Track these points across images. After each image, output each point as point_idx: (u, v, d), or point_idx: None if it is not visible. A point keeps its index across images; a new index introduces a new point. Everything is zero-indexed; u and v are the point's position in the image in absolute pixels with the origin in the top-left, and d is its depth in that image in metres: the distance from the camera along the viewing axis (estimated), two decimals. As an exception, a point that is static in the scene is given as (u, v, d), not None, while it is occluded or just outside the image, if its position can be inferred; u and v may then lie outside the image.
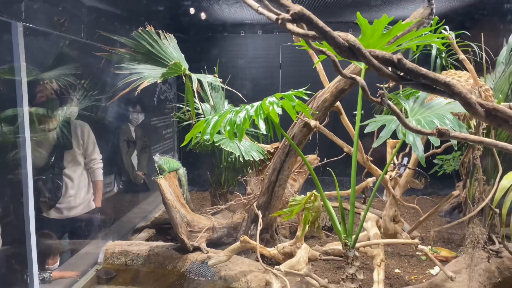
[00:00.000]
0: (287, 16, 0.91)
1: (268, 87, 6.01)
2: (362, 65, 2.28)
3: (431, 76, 0.88)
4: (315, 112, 2.87)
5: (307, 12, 0.87)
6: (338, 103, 3.17)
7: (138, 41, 3.67)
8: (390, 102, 0.99)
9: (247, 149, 3.77)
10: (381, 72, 0.92)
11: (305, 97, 1.98)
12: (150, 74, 3.65)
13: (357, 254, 2.17)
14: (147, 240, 4.16)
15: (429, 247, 3.88)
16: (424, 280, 3.31)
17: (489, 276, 3.31)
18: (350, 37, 0.91)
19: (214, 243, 3.84)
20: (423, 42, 2.15)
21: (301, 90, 2.00)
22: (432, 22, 2.58)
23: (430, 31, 3.28)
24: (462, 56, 2.89)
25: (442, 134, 0.91)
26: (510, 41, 3.53)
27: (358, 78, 1.01)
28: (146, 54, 3.75)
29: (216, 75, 4.09)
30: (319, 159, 4.38)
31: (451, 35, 3.12)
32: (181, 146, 5.94)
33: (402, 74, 0.93)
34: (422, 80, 0.90)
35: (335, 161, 4.30)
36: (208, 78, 3.73)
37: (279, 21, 0.98)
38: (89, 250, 3.78)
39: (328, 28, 0.91)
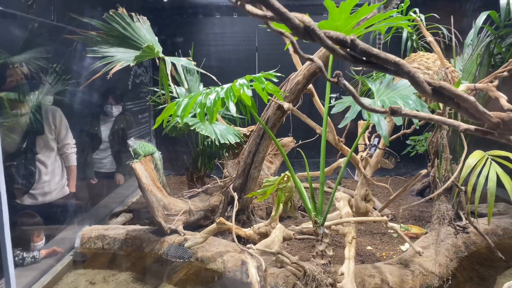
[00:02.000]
0: (246, -3, 0.93)
1: (245, 70, 5.95)
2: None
3: (382, 56, 0.92)
4: (286, 94, 2.90)
5: (264, -6, 0.89)
6: (310, 85, 3.21)
7: (110, 23, 3.61)
8: (345, 82, 1.02)
9: (223, 132, 3.79)
10: (336, 53, 0.96)
11: (275, 79, 2.01)
12: (122, 58, 3.60)
13: (326, 231, 2.24)
14: (124, 224, 4.17)
15: (400, 224, 4.02)
16: (394, 256, 3.43)
17: (456, 250, 3.46)
18: (305, 18, 0.94)
19: (192, 226, 3.88)
20: (391, 24, 2.19)
21: (271, 72, 2.03)
22: (398, 3, 2.63)
23: (399, 13, 3.33)
24: (430, 38, 2.96)
25: (394, 112, 0.96)
26: (477, 23, 3.62)
27: (315, 58, 1.05)
28: (119, 37, 3.69)
29: (191, 58, 4.06)
30: (294, 141, 4.43)
31: (421, 17, 3.18)
32: (152, 129, 5.93)
33: (355, 55, 0.96)
34: (374, 60, 0.93)
35: (311, 142, 4.37)
36: (182, 61, 3.71)
37: (238, 2, 1.00)
38: (65, 236, 3.77)
39: (284, 10, 0.94)
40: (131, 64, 3.53)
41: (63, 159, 3.72)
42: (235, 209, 3.28)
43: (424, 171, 2.98)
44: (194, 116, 4.20)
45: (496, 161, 2.98)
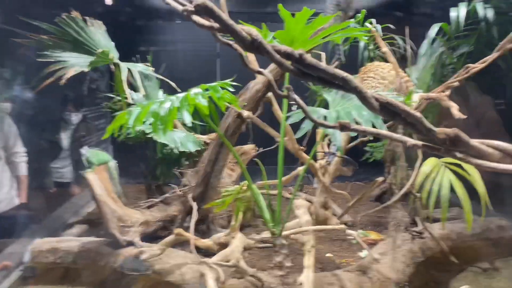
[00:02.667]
0: (191, 7, 0.89)
1: (206, 77, 5.89)
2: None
3: (330, 71, 0.91)
4: (244, 103, 2.89)
5: (210, 4, 0.86)
6: (270, 94, 3.21)
7: (62, 27, 3.47)
8: (296, 96, 1.00)
9: (182, 140, 3.71)
10: (283, 67, 0.93)
11: (231, 89, 1.98)
12: (77, 63, 3.46)
13: (284, 242, 2.23)
14: (79, 236, 3.99)
15: (360, 231, 4.08)
16: (354, 263, 3.47)
17: (413, 256, 3.53)
18: (253, 31, 0.91)
19: (149, 237, 3.77)
20: (347, 35, 2.22)
21: (227, 81, 2.00)
22: (353, 14, 2.68)
23: (357, 24, 3.40)
24: (384, 49, 3.03)
25: (343, 127, 0.95)
26: (430, 34, 3.75)
27: (264, 72, 1.02)
28: (72, 41, 3.55)
29: (149, 64, 3.97)
30: (256, 148, 4.41)
31: (377, 28, 3.25)
32: (101, 139, 5.74)
33: (304, 69, 0.95)
34: (322, 75, 0.91)
35: (273, 150, 4.35)
36: (139, 67, 3.61)
37: (185, 13, 0.96)
38: (15, 250, 3.57)
39: (231, 22, 0.90)
40: (86, 70, 3.40)
41: (12, 168, 3.52)
42: (193, 219, 3.21)
43: (380, 179, 3.04)
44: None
45: (450, 168, 3.08)
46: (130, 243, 3.47)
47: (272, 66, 2.96)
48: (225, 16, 0.90)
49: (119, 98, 4.20)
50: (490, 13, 3.40)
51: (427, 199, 3.09)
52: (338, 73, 0.88)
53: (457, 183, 3.00)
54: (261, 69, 0.99)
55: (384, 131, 0.90)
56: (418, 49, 4.10)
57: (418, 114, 0.86)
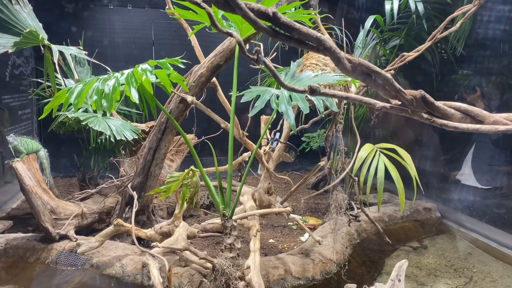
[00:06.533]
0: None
1: (141, 63, 5.72)
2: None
3: (304, 31, 0.90)
4: (191, 84, 2.81)
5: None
6: (214, 79, 3.16)
7: (-19, 3, 3.14)
8: (266, 59, 0.98)
9: (119, 128, 3.54)
10: (257, 25, 0.91)
11: (181, 65, 1.91)
12: (-2, 42, 3.16)
13: (235, 224, 2.21)
14: (3, 232, 3.66)
15: (300, 216, 4.18)
16: (295, 247, 3.55)
17: (350, 238, 3.70)
18: (226, -13, 0.88)
19: (85, 230, 3.56)
20: (294, 18, 2.24)
21: (176, 58, 1.92)
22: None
23: (300, 7, 3.46)
24: (326, 35, 3.12)
25: (313, 91, 0.94)
26: (365, 26, 3.92)
27: (234, 33, 0.99)
28: (-7, 19, 3.23)
29: (81, 48, 3.74)
30: (196, 138, 4.33)
31: (317, 16, 3.33)
32: (39, 119, 5.33)
33: (277, 29, 0.93)
34: (296, 35, 0.90)
35: (214, 138, 4.30)
36: (71, 50, 3.38)
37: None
38: None
39: (203, -24, 0.86)
40: (10, 51, 3.11)
41: None
42: (134, 209, 3.08)
43: (322, 163, 3.13)
44: (86, 111, 3.87)
45: (384, 153, 3.25)
46: (64, 237, 3.26)
47: (224, 46, 2.90)
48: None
49: (48, 84, 3.90)
50: (420, 7, 3.63)
51: (364, 182, 3.24)
52: (312, 33, 0.88)
53: (391, 167, 3.17)
54: (229, 31, 0.96)
55: (353, 94, 0.92)
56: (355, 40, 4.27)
57: (388, 74, 0.88)
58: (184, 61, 1.92)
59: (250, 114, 1.91)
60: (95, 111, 3.60)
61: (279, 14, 0.89)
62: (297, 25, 0.90)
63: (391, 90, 0.89)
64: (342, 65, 0.90)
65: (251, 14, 0.89)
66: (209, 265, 2.49)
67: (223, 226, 2.18)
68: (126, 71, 1.80)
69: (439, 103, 0.90)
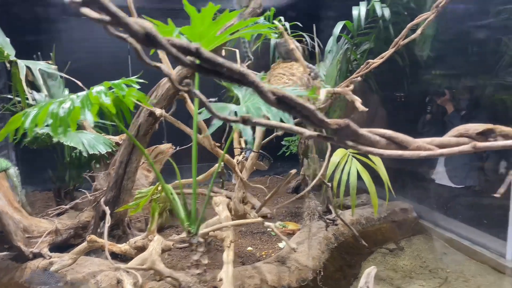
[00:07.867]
0: (79, -1, 0.84)
1: (117, 74, 5.63)
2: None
3: (227, 66, 0.90)
4: (154, 101, 2.81)
5: (98, -4, 0.82)
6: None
7: None
8: (196, 91, 0.99)
9: (91, 142, 3.51)
10: (180, 61, 0.91)
11: (137, 86, 1.91)
12: (-37, 61, 3.12)
13: (201, 240, 2.21)
14: (-24, 253, 3.61)
15: (278, 222, 4.20)
16: (273, 254, 3.56)
17: (327, 242, 3.72)
18: (146, 24, 0.88)
19: (61, 247, 3.53)
20: (254, 31, 2.25)
21: (133, 78, 1.92)
22: (258, 11, 2.73)
23: (266, 21, 3.47)
24: (292, 46, 3.13)
25: (246, 121, 0.95)
26: (335, 32, 3.95)
27: (162, 66, 0.99)
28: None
29: (51, 62, 3.71)
30: (173, 147, 4.32)
31: (285, 25, 3.35)
32: (10, 141, 5.25)
33: (201, 64, 0.93)
34: (219, 70, 0.91)
35: (190, 149, 4.29)
36: (39, 65, 3.35)
37: (72, 5, 0.89)
38: None
39: (121, 14, 0.86)
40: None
41: None
42: (107, 224, 3.06)
43: (294, 171, 3.15)
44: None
45: (356, 157, 3.29)
46: (38, 255, 3.22)
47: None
48: (114, 8, 0.86)
49: (18, 99, 3.85)
50: (386, 12, 3.68)
51: (337, 187, 3.27)
52: (235, 68, 0.89)
53: (364, 171, 3.21)
54: (158, 64, 0.96)
55: (284, 124, 0.94)
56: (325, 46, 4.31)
57: (311, 106, 0.90)
58: (141, 80, 1.92)
59: (207, 134, 1.92)
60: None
61: (202, 49, 0.90)
62: (220, 60, 0.91)
63: (316, 121, 0.91)
64: (266, 98, 0.91)
65: (173, 50, 0.89)
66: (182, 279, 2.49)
67: (189, 243, 2.18)
68: (82, 93, 1.79)
69: (364, 131, 0.92)
